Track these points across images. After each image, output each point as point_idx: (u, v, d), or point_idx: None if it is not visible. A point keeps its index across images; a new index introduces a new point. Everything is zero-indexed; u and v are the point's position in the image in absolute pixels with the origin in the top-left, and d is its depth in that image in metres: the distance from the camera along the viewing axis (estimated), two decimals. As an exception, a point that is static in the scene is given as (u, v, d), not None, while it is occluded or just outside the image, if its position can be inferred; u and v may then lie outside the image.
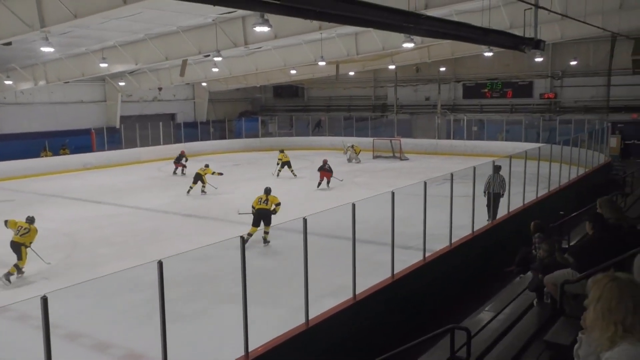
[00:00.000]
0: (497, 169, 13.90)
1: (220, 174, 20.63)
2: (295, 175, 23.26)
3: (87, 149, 28.57)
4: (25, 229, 10.94)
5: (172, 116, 34.89)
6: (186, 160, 25.19)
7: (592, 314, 1.96)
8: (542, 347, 5.08)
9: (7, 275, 10.54)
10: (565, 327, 4.68)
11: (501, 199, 13.37)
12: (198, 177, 19.82)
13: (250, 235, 12.20)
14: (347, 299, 7.67)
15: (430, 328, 5.98)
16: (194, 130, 33.68)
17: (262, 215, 12.85)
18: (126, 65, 21.65)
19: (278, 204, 13.06)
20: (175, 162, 25.20)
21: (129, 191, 20.72)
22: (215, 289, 10.02)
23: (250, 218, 12.96)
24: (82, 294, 8.95)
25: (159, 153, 30.30)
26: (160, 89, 31.54)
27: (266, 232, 12.87)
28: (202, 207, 17.41)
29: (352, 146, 28.13)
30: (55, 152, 27.47)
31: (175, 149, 31.38)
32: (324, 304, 7.59)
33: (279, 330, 6.77)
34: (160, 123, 31.35)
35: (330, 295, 8.14)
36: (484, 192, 13.48)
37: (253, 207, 13.08)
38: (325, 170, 21.03)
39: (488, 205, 13.48)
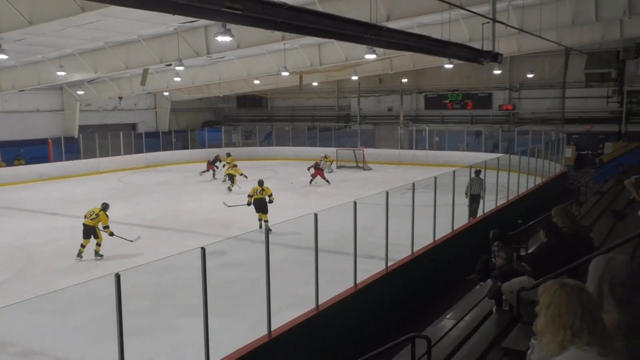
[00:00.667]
0: (477, 172, 14.88)
1: (245, 176, 22.42)
2: (246, 178, 23.24)
3: (43, 159, 27.78)
4: (95, 214, 12.79)
5: (133, 126, 34.29)
6: (221, 163, 26.25)
7: (542, 320, 2.00)
8: (500, 354, 5.17)
9: (97, 254, 12.77)
10: (522, 333, 4.78)
11: (481, 201, 14.52)
12: (231, 177, 22.15)
13: (260, 220, 14.91)
14: (310, 309, 7.64)
15: (393, 337, 6.00)
16: (155, 140, 33.20)
17: (260, 203, 14.99)
18: (85, 74, 21.21)
19: (271, 195, 15.19)
20: (208, 164, 26.30)
21: (87, 202, 20.11)
22: (176, 301, 9.84)
23: (212, 227, 12.87)
24: (36, 309, 8.67)
25: (119, 163, 29.72)
26: (120, 98, 30.98)
27: (266, 221, 14.73)
28: (163, 219, 17.12)
29: (325, 156, 28.23)
30: (10, 163, 26.61)
31: (137, 159, 30.92)
32: (286, 315, 7.54)
33: (240, 342, 6.68)
34: (121, 133, 30.79)
35: (293, 306, 8.09)
36: (465, 194, 14.35)
37: (250, 196, 15.18)
38: (319, 169, 23.83)
39: (469, 206, 14.34)
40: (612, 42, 24.93)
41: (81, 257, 12.56)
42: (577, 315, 1.93)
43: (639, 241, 6.34)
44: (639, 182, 9.98)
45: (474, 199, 14.43)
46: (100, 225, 12.67)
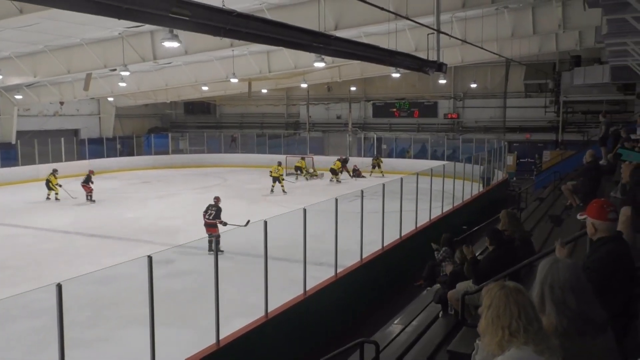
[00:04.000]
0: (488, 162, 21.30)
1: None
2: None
3: (-23, 166, 26.47)
4: (276, 169, 22.96)
5: (76, 132, 33.13)
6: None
7: (484, 321, 2.08)
8: (446, 357, 5.28)
9: (283, 190, 22.90)
10: (466, 337, 4.90)
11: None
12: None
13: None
14: (259, 317, 7.60)
15: (342, 342, 6.05)
16: (99, 147, 32.18)
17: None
18: (23, 78, 20.41)
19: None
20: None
21: (25, 211, 19.40)
22: (120, 311, 9.57)
23: (158, 236, 12.55)
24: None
25: (60, 170, 28.56)
26: (62, 103, 29.93)
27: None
28: (106, 227, 16.61)
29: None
30: (-59, 170, 25.25)
31: (79, 165, 29.77)
32: (235, 323, 7.47)
33: (188, 351, 6.57)
34: (62, 139, 29.64)
35: (242, 314, 8.03)
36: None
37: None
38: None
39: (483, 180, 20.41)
40: (549, 55, 26.10)
41: (273, 192, 22.64)
42: (514, 316, 2.01)
43: (575, 244, 6.64)
44: (576, 188, 10.49)
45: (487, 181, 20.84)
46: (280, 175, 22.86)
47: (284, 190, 22.98)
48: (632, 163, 5.06)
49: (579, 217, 3.82)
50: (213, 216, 13.31)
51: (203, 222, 13.49)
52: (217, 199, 13.87)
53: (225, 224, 13.02)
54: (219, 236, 11.37)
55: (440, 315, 7.13)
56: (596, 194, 8.71)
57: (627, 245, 3.37)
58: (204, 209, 13.61)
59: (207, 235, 12.68)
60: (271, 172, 23.37)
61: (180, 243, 13.17)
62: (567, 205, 11.30)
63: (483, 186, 20.34)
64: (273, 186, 22.95)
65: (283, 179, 23.40)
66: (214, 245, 6.69)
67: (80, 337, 7.94)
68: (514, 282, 2.20)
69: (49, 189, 21.61)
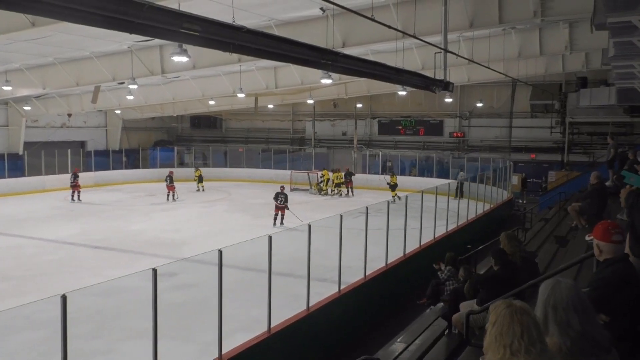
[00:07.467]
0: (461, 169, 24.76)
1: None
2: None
3: (-16, 176, 26.62)
4: (337, 176, 26.07)
5: (82, 144, 33.31)
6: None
7: (488, 337, 2.09)
8: (449, 376, 5.26)
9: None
10: (470, 356, 4.88)
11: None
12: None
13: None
14: (262, 333, 7.57)
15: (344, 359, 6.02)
16: (105, 159, 32.33)
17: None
18: (33, 89, 20.62)
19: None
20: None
21: (31, 221, 19.46)
22: (124, 324, 9.55)
23: (162, 249, 12.56)
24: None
25: (66, 182, 28.70)
26: (69, 115, 30.15)
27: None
28: (110, 239, 16.64)
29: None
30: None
31: (85, 177, 29.88)
32: (238, 337, 7.45)
33: (190, 366, 6.55)
34: (69, 150, 29.81)
35: (245, 329, 8.00)
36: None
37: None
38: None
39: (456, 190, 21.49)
40: (555, 75, 26.20)
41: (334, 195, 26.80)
42: (517, 335, 2.01)
43: (581, 266, 6.61)
44: (582, 210, 10.46)
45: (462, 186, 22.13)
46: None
47: (340, 194, 27.07)
48: (629, 187, 5.03)
49: (587, 238, 3.83)
50: (284, 201, 18.16)
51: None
52: (282, 187, 18.63)
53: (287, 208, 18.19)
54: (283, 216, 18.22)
55: (445, 333, 7.09)
56: (602, 216, 8.69)
57: (632, 267, 3.36)
58: (274, 195, 18.46)
59: (214, 248, 12.73)
60: (333, 180, 27.11)
61: (184, 256, 13.18)
62: (572, 226, 11.26)
63: (455, 196, 20.21)
64: (338, 190, 26.98)
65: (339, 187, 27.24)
66: (219, 257, 6.69)
67: (83, 349, 7.92)
68: (521, 301, 2.20)
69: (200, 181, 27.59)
